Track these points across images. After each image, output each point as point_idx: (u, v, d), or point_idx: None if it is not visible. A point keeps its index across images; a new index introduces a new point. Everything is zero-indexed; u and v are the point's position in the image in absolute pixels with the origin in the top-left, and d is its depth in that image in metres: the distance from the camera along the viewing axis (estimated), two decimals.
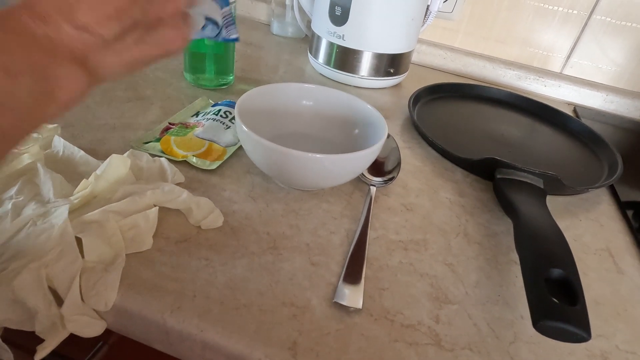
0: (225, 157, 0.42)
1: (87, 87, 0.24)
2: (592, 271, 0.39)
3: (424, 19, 0.75)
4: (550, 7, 0.72)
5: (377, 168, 0.45)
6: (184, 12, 0.28)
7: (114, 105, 0.49)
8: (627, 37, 0.71)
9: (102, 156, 0.37)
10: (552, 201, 0.47)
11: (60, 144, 0.39)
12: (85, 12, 0.22)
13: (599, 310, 0.35)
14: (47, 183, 0.33)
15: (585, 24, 0.71)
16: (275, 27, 0.82)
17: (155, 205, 0.34)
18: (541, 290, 0.28)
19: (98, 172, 0.35)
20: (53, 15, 0.21)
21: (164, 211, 0.35)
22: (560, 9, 0.72)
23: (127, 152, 0.38)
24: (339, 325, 0.29)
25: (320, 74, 0.69)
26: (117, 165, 0.36)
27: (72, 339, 0.28)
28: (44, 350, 0.28)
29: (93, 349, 0.38)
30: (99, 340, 0.38)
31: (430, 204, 0.43)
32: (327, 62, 0.66)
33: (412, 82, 0.72)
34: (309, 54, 0.70)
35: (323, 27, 0.64)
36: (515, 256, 0.38)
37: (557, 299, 0.29)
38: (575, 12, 0.71)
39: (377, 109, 0.43)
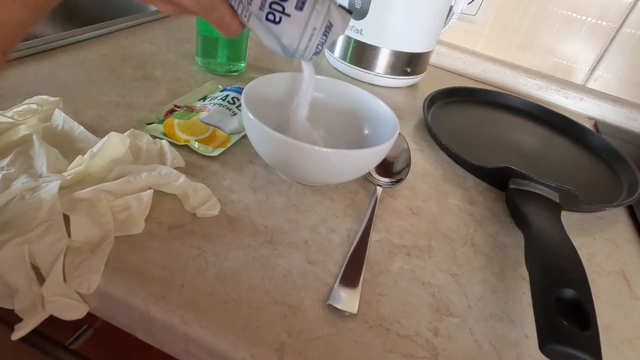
0: (228, 145, 0.41)
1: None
2: (604, 294, 0.36)
3: (446, 20, 0.73)
4: (579, 17, 0.69)
5: (385, 168, 0.43)
6: None
7: (121, 83, 0.48)
8: None
9: (102, 133, 0.36)
10: (566, 217, 0.44)
11: (60, 117, 0.38)
12: None
13: (610, 336, 0.32)
14: (41, 157, 0.32)
15: (614, 37, 0.69)
16: None
17: (150, 188, 0.33)
18: (551, 311, 0.26)
19: (94, 149, 0.33)
20: None
21: (159, 195, 0.34)
22: (589, 19, 0.69)
23: (128, 131, 0.37)
24: (332, 329, 0.28)
25: (335, 68, 0.67)
26: (115, 144, 0.34)
27: (56, 319, 0.27)
28: (21, 330, 0.26)
29: (77, 331, 0.37)
30: (84, 323, 0.37)
31: (438, 210, 0.41)
32: (343, 57, 0.64)
33: (428, 83, 0.70)
34: None
35: None
36: (523, 272, 0.36)
37: (567, 322, 0.27)
38: (604, 23, 0.68)
39: (390, 108, 0.41)
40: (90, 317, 0.29)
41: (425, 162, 0.48)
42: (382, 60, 0.62)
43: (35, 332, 0.29)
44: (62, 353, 0.35)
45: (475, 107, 0.64)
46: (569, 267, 0.30)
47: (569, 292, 0.27)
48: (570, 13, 0.70)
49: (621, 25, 0.68)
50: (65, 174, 0.32)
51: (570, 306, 0.27)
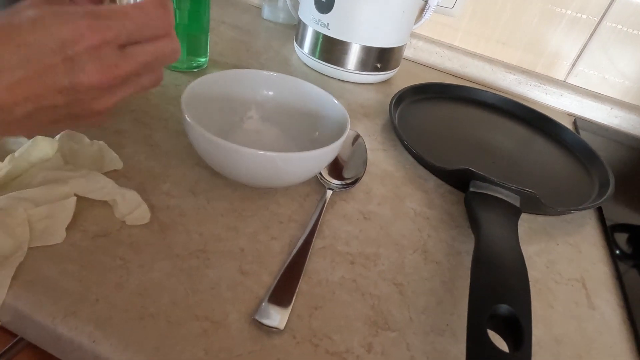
0: None
1: None
2: (560, 304, 0.35)
3: (423, 13, 0.71)
4: (558, 10, 0.67)
5: (338, 170, 0.41)
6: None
7: None
8: (638, 48, 0.66)
9: None
10: (531, 221, 0.43)
11: None
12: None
13: (559, 350, 0.31)
14: None
15: (594, 30, 0.66)
16: (266, 12, 0.78)
17: (75, 195, 0.31)
18: (481, 330, 0.24)
19: (16, 154, 0.32)
20: None
21: (89, 202, 0.32)
22: (569, 12, 0.67)
23: (62, 132, 0.35)
24: (255, 346, 0.26)
25: (305, 64, 0.65)
26: (42, 148, 0.33)
27: None
28: None
29: (10, 342, 0.35)
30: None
31: (392, 214, 0.39)
32: (312, 53, 0.62)
33: (403, 79, 0.68)
34: (294, 42, 0.66)
35: (309, 13, 0.60)
36: None
37: (504, 338, 0.26)
38: (584, 16, 0.66)
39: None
40: None
41: (386, 163, 0.47)
42: (352, 56, 0.60)
43: None
44: None
45: (448, 104, 0.62)
46: (511, 280, 0.28)
47: (504, 309, 0.25)
48: (549, 6, 0.67)
49: (602, 19, 0.65)
50: None
51: (508, 322, 0.26)
